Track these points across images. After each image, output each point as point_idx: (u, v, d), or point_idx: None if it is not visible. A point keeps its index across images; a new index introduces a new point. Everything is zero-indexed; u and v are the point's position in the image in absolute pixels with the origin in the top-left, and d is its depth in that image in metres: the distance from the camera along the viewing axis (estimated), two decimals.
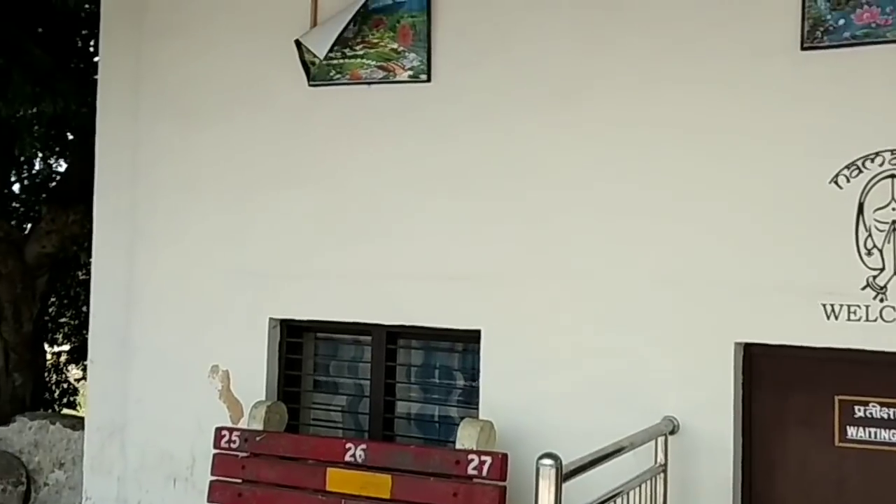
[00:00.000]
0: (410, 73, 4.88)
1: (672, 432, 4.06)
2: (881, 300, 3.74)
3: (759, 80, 4.07)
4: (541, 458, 3.00)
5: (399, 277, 4.84)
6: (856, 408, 3.89)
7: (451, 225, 4.72)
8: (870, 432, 3.86)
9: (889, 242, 3.75)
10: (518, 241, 4.55)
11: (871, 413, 3.86)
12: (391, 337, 5.02)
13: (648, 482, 3.89)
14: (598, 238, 4.36)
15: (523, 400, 4.47)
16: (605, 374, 4.28)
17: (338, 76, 5.06)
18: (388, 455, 4.56)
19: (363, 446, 4.60)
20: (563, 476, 3.01)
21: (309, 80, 5.11)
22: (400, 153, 4.90)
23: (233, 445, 4.86)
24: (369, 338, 5.07)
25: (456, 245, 4.70)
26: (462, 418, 4.57)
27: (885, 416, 3.83)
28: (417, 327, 4.84)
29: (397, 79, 4.91)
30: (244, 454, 4.83)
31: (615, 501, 3.54)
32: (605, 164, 4.37)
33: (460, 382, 4.95)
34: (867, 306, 3.76)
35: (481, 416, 4.55)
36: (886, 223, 3.76)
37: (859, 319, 3.78)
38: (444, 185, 4.76)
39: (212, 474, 4.86)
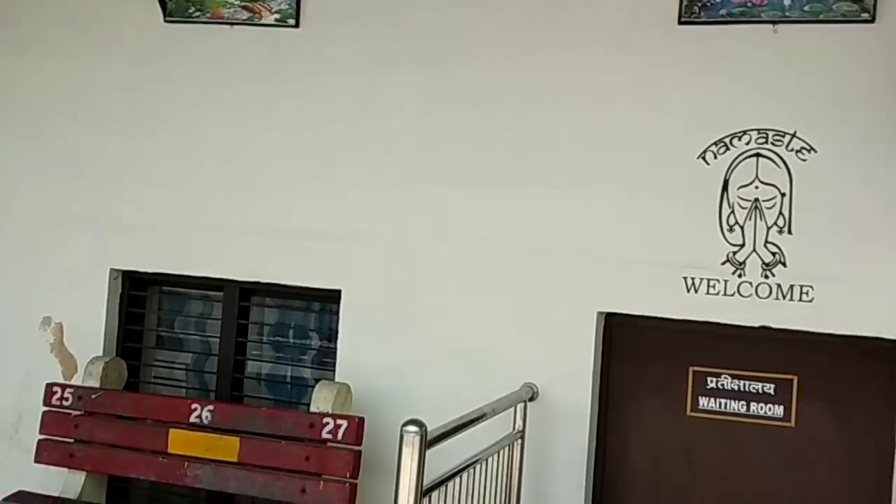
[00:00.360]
0: (277, 16, 4.61)
1: (531, 399, 4.05)
2: (739, 275, 3.83)
3: (633, 51, 4.06)
4: (405, 424, 2.88)
5: (256, 232, 4.60)
6: (708, 379, 3.99)
7: (314, 180, 4.52)
8: (720, 403, 3.97)
9: (750, 220, 3.83)
10: (385, 202, 4.40)
11: (722, 384, 3.97)
12: (244, 294, 4.78)
13: (506, 448, 3.87)
14: (466, 204, 4.26)
15: (382, 363, 4.35)
16: (466, 339, 4.22)
17: (197, 14, 4.73)
18: (237, 417, 4.35)
19: (210, 407, 4.38)
20: (427, 443, 2.92)
21: (165, 15, 4.76)
22: (260, 101, 4.64)
23: (65, 403, 4.52)
24: (220, 294, 4.82)
25: (318, 201, 4.51)
26: (317, 380, 4.42)
27: (736, 387, 3.94)
28: (274, 285, 4.62)
29: (263, 21, 4.63)
30: (77, 412, 4.50)
31: (474, 468, 3.49)
32: (474, 130, 4.27)
33: (316, 343, 4.78)
34: (726, 281, 3.85)
35: (338, 379, 4.41)
36: (749, 201, 3.84)
37: (718, 293, 3.86)
38: (306, 139, 4.55)
39: (40, 433, 4.51)
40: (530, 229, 4.16)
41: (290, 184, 4.56)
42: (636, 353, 4.12)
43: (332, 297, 4.52)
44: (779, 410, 3.89)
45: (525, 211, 4.17)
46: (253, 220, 4.61)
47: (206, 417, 4.34)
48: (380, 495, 4.20)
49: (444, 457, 3.13)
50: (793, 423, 3.87)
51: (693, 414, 4.01)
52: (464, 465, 3.38)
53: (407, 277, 4.35)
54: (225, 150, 4.69)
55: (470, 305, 4.23)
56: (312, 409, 4.20)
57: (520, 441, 3.99)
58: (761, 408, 3.91)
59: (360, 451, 4.12)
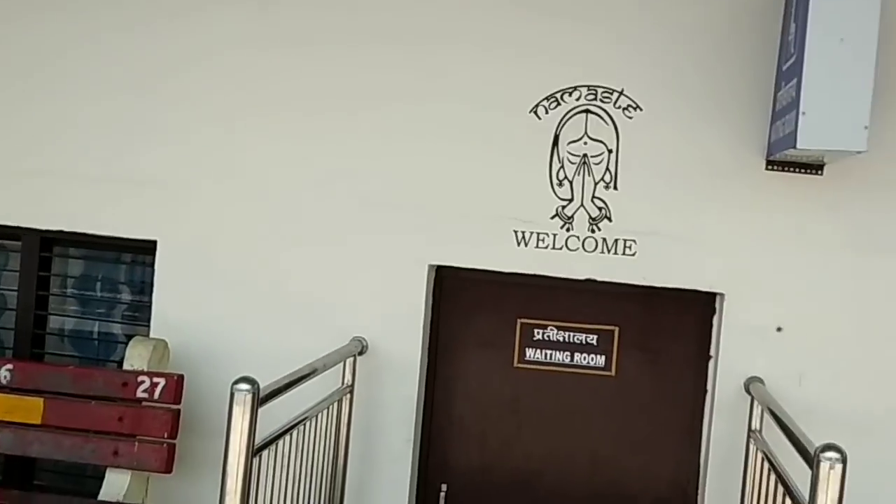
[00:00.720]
0: None
1: (361, 353, 3.97)
2: (567, 230, 3.90)
3: (466, 8, 3.99)
4: (236, 382, 2.74)
5: (57, 176, 4.23)
6: (535, 331, 4.06)
7: (124, 121, 4.20)
8: (546, 354, 4.05)
9: (579, 175, 3.90)
10: (205, 147, 4.15)
11: (548, 336, 4.05)
12: (46, 243, 4.41)
13: (335, 404, 3.79)
14: (292, 153, 4.09)
15: (202, 318, 4.13)
16: (293, 293, 4.08)
17: None
18: (40, 376, 4.05)
19: (9, 366, 4.04)
20: (259, 401, 2.79)
21: None
22: (74, 38, 4.25)
23: None
24: (18, 243, 4.42)
25: (130, 144, 4.19)
26: (129, 337, 4.16)
27: (561, 338, 4.04)
28: (79, 234, 4.28)
29: None
30: None
31: (304, 425, 3.38)
32: (300, 75, 4.09)
33: (128, 297, 4.49)
34: (555, 235, 3.90)
35: (153, 335, 4.16)
36: (578, 156, 3.90)
37: (547, 247, 3.91)
38: (120, 77, 4.20)
39: None
40: (360, 181, 4.04)
41: (98, 125, 4.22)
42: (466, 306, 4.13)
43: (147, 248, 4.24)
44: (601, 360, 4.02)
45: (355, 162, 4.05)
46: (54, 164, 4.24)
47: (6, 377, 4.01)
48: (200, 455, 4.03)
49: (272, 415, 3.01)
50: (613, 373, 4.01)
51: (520, 365, 4.08)
52: (294, 423, 3.28)
53: (229, 228, 4.14)
54: (27, 88, 4.27)
55: (297, 258, 4.08)
56: (126, 366, 3.96)
57: (349, 396, 3.91)
58: (584, 358, 4.03)
59: (178, 411, 3.92)
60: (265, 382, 2.86)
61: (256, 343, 4.01)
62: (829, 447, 2.44)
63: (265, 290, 4.10)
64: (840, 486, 2.41)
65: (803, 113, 3.19)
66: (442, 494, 4.13)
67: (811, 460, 2.49)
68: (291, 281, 4.08)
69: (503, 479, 4.12)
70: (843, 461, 2.41)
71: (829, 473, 2.42)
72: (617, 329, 4.01)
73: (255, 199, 4.11)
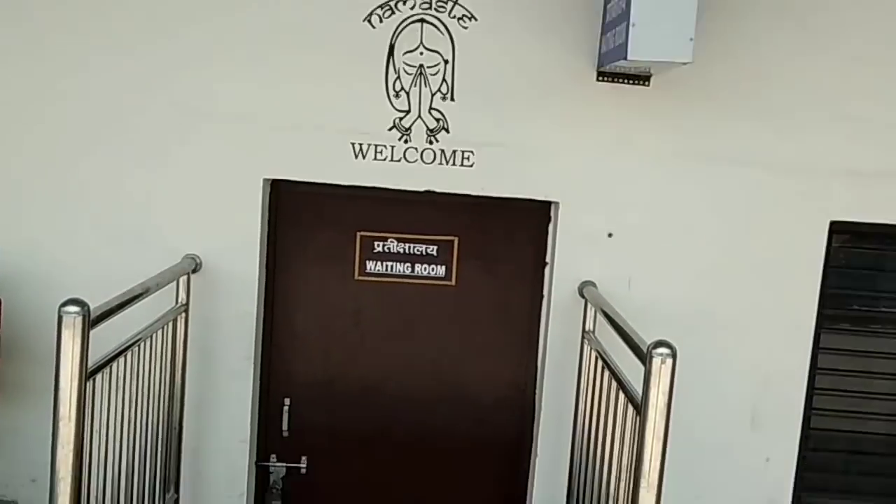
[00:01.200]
0: None
1: (195, 271, 3.84)
2: (405, 141, 3.86)
3: None
4: (64, 304, 2.59)
5: None
6: (375, 243, 4.04)
7: None
8: (387, 266, 4.06)
9: (415, 86, 3.85)
10: (14, 60, 3.82)
11: (388, 248, 4.05)
12: None
13: (170, 323, 3.66)
14: (111, 63, 3.81)
15: (22, 239, 3.87)
16: (121, 210, 3.87)
17: None
18: None
19: None
20: (90, 323, 2.65)
21: None
22: None
23: None
24: None
25: None
26: None
27: (401, 250, 4.04)
28: None
29: None
30: None
31: (138, 346, 3.26)
32: None
33: None
34: (392, 147, 3.86)
35: None
36: (414, 67, 3.84)
37: (385, 159, 3.87)
38: None
39: None
40: (188, 91, 3.83)
41: None
42: (303, 221, 4.05)
43: None
44: (441, 270, 4.06)
45: (181, 73, 3.83)
46: None
47: None
48: (27, 383, 3.83)
49: (104, 337, 2.87)
50: (454, 282, 4.07)
51: (361, 278, 4.06)
52: (128, 344, 3.14)
53: (49, 142, 3.85)
54: None
55: (124, 174, 3.86)
56: None
57: (184, 315, 3.79)
58: (425, 269, 4.06)
59: None
60: (95, 304, 2.73)
61: (83, 265, 3.80)
62: (660, 343, 2.59)
63: (90, 208, 3.87)
64: (671, 378, 2.57)
65: (633, 24, 3.25)
66: (285, 408, 4.12)
67: (644, 356, 2.63)
68: (118, 198, 3.86)
69: (348, 390, 4.15)
70: (674, 356, 2.57)
71: (661, 368, 2.57)
72: (456, 239, 4.05)
73: (74, 116, 3.83)
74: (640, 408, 2.63)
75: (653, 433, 2.60)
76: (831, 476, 4.22)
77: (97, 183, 3.87)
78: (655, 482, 2.61)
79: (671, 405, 2.58)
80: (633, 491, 2.65)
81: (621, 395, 3.01)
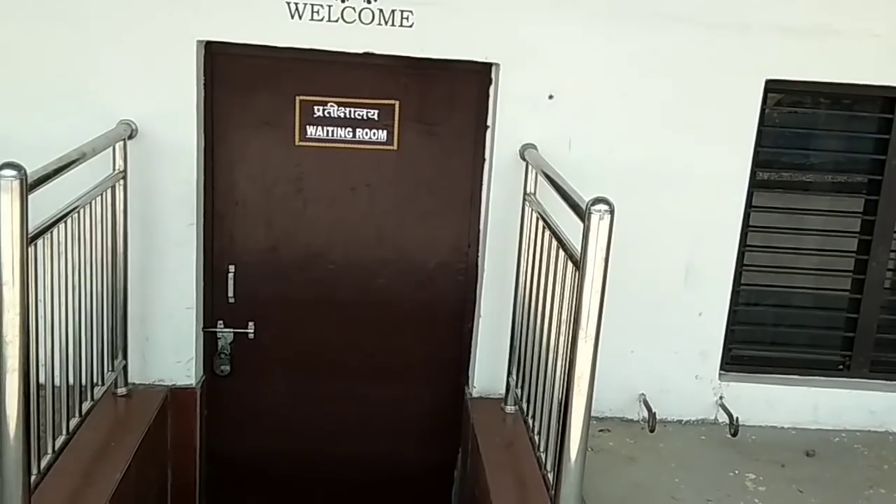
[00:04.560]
0: None
1: (130, 137, 3.76)
2: (343, 0, 3.77)
3: None
4: (0, 168, 2.55)
5: None
6: (315, 108, 3.99)
7: None
8: (328, 131, 4.02)
9: None
10: None
11: (329, 112, 4.00)
12: None
13: (109, 190, 3.61)
14: None
15: None
16: (49, 74, 3.75)
17: None
18: None
19: None
20: (28, 187, 2.61)
21: None
22: None
23: None
24: None
25: None
26: None
27: (342, 114, 4.00)
28: None
29: None
30: None
31: (77, 213, 3.22)
32: None
33: None
34: (330, 6, 3.76)
35: None
36: None
37: (322, 19, 3.77)
38: None
39: None
40: None
41: None
42: (241, 84, 3.97)
43: None
44: (382, 135, 4.04)
45: None
46: None
47: None
48: None
49: (39, 205, 2.82)
50: (395, 147, 4.06)
51: (301, 143, 4.02)
52: (67, 210, 3.11)
53: None
54: None
55: (49, 35, 3.72)
56: None
57: (122, 181, 3.73)
58: (366, 133, 4.03)
59: None
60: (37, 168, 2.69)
61: (15, 133, 3.67)
62: (598, 200, 2.63)
63: (17, 73, 3.73)
64: (608, 234, 2.63)
65: None
66: (230, 275, 4.14)
67: (582, 214, 2.69)
68: (46, 61, 3.73)
69: (291, 256, 4.18)
70: (611, 212, 2.62)
71: (599, 224, 2.63)
72: (397, 103, 4.01)
73: None
74: (580, 263, 2.70)
75: (591, 287, 2.67)
76: (761, 329, 4.43)
77: (25, 46, 3.72)
78: (593, 334, 2.70)
79: (608, 260, 2.66)
80: (571, 343, 2.76)
81: (561, 253, 3.09)
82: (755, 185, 4.14)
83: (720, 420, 4.27)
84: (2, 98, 3.76)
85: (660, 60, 3.91)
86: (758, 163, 4.11)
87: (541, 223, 3.47)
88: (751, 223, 4.19)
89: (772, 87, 4.00)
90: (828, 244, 4.32)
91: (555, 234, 3.21)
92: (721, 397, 4.29)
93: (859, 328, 4.36)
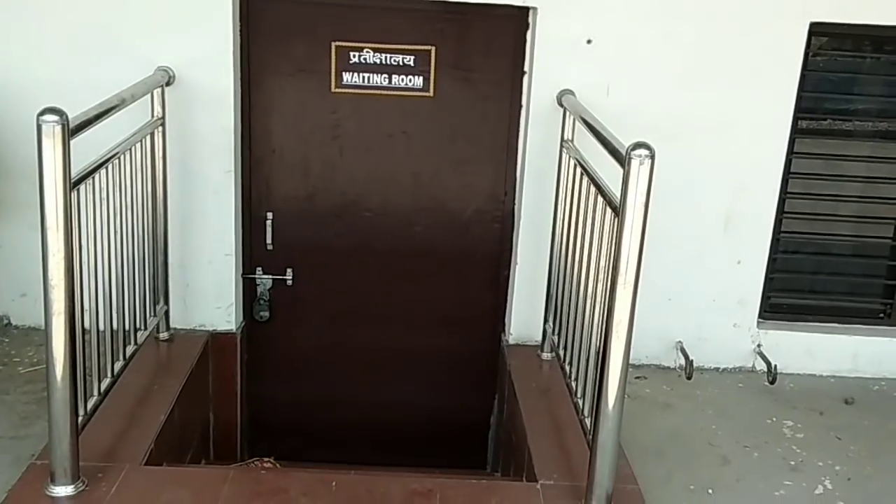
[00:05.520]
0: None
1: (168, 84, 3.77)
2: None
3: None
4: (42, 113, 2.57)
5: None
6: (351, 54, 3.96)
7: None
8: (363, 77, 3.99)
9: None
10: None
11: (364, 58, 3.97)
12: None
13: (148, 137, 3.63)
14: None
15: None
16: (89, 22, 3.76)
17: None
18: None
19: None
20: (69, 132, 2.63)
21: None
22: None
23: None
24: None
25: None
26: None
27: (377, 61, 3.97)
28: None
29: None
30: None
31: (118, 158, 3.24)
32: None
33: None
34: None
35: None
36: None
37: None
38: None
39: None
40: None
41: None
42: (277, 32, 3.94)
43: None
44: (419, 81, 4.00)
45: None
46: None
47: None
48: (4, 198, 3.84)
49: (82, 151, 2.85)
50: (432, 93, 4.02)
51: (338, 90, 4.00)
52: (108, 156, 3.14)
53: None
54: None
55: None
56: None
57: (161, 128, 3.75)
58: (402, 80, 4.00)
59: None
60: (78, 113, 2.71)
61: (56, 78, 3.71)
62: (638, 145, 2.61)
63: (57, 21, 3.75)
64: (648, 179, 2.61)
65: None
66: (268, 223, 4.17)
67: (622, 159, 2.66)
68: (86, 9, 3.74)
69: (328, 203, 4.19)
70: (652, 157, 2.59)
71: (640, 169, 2.60)
72: (433, 49, 3.97)
73: None
74: (619, 209, 2.68)
75: (630, 233, 2.66)
76: (800, 277, 4.39)
77: None
78: (632, 280, 2.69)
79: (648, 206, 2.64)
80: (610, 290, 2.75)
81: (600, 200, 3.07)
82: (797, 131, 4.07)
83: (758, 368, 4.26)
84: (43, 46, 3.79)
85: (701, 4, 3.83)
86: (801, 108, 4.03)
87: (578, 170, 3.45)
88: (792, 170, 4.13)
89: (816, 30, 3.91)
90: (869, 191, 4.25)
91: (593, 181, 3.19)
92: (759, 345, 4.27)
93: None
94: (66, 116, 2.59)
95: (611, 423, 2.82)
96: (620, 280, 2.69)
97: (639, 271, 2.68)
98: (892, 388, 4.25)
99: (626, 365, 2.77)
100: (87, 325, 2.95)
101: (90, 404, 3.02)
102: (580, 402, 3.23)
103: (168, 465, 3.35)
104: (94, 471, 2.94)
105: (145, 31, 3.77)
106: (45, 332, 2.68)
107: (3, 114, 3.75)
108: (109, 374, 3.21)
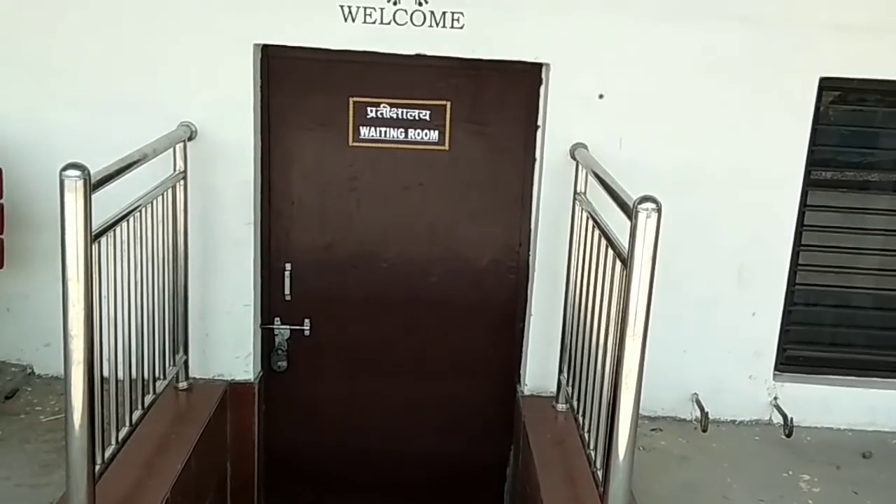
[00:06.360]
0: None
1: (190, 138, 3.88)
2: (395, 3, 3.81)
3: None
4: (64, 169, 2.65)
5: None
6: (368, 109, 4.06)
7: None
8: (380, 131, 4.09)
9: None
10: None
11: (381, 113, 4.07)
12: None
13: (169, 190, 3.72)
14: None
15: (16, 108, 3.91)
16: (114, 78, 3.88)
17: None
18: None
19: None
20: (91, 186, 2.72)
21: None
22: None
23: None
24: None
25: None
26: None
27: (394, 115, 4.06)
28: None
29: None
30: None
31: (140, 212, 3.33)
32: None
33: None
34: (382, 9, 3.82)
35: None
36: None
37: (374, 22, 3.84)
38: None
39: None
40: None
41: None
42: (296, 86, 4.06)
43: None
44: (434, 135, 4.09)
45: None
46: None
47: None
48: (29, 249, 3.97)
49: (104, 203, 2.93)
50: (447, 147, 4.11)
51: (355, 144, 4.10)
52: (130, 209, 3.22)
53: (38, 12, 3.83)
54: None
55: (117, 40, 3.85)
56: None
57: (182, 182, 3.84)
58: (418, 134, 4.09)
59: (1, 205, 3.77)
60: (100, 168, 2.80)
61: (78, 134, 3.83)
62: (645, 199, 2.65)
63: (83, 76, 3.88)
64: (655, 232, 2.65)
65: None
66: (287, 273, 4.24)
67: (630, 212, 2.70)
68: (111, 66, 3.87)
69: (346, 254, 4.26)
70: (658, 210, 2.63)
71: (646, 222, 2.65)
72: (449, 104, 4.06)
73: None
74: (627, 261, 2.72)
75: (638, 284, 2.69)
76: (817, 329, 4.38)
77: (91, 53, 3.86)
78: (641, 332, 2.72)
79: (656, 257, 2.67)
80: (619, 341, 2.78)
81: (610, 252, 3.10)
82: (810, 183, 4.10)
83: (774, 421, 4.24)
84: (69, 101, 3.90)
85: (712, 58, 3.89)
86: (813, 161, 4.07)
87: (590, 222, 3.49)
88: (806, 222, 4.15)
89: (826, 84, 3.96)
90: (889, 244, 4.25)
91: (604, 233, 3.23)
92: (775, 398, 4.25)
93: None
94: (88, 171, 2.68)
95: (621, 474, 2.82)
96: (629, 331, 2.72)
97: (647, 322, 2.70)
98: None
99: (636, 416, 2.78)
100: (106, 373, 3.01)
101: (108, 453, 3.06)
102: (592, 453, 3.23)
103: None
104: None
105: (169, 87, 3.89)
106: (65, 382, 2.74)
107: (31, 167, 3.85)
108: (128, 423, 3.26)
